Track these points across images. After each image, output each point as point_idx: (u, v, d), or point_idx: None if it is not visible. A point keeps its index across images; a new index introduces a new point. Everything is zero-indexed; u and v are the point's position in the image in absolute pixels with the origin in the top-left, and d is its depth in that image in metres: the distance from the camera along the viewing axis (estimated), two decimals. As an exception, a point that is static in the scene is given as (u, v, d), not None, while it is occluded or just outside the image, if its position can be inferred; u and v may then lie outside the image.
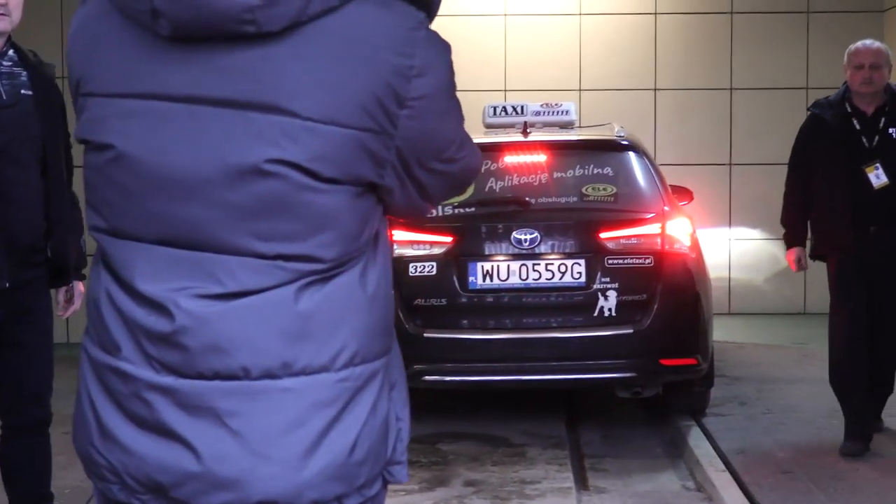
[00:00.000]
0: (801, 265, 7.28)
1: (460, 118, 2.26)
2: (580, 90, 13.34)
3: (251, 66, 2.09)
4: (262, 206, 2.08)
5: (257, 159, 2.06)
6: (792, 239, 7.31)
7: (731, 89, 13.33)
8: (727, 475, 6.73)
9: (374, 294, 2.19)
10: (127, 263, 2.16)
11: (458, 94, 2.25)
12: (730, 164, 13.30)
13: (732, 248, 13.35)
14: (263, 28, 2.07)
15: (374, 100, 2.09)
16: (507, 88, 13.30)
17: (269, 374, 2.08)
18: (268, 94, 2.07)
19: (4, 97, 4.79)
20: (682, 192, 8.93)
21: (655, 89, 13.39)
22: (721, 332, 11.62)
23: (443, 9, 2.31)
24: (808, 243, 7.31)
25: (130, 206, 2.15)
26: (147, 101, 2.12)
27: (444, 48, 2.19)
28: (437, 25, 2.24)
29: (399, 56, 2.11)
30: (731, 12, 13.34)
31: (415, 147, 2.17)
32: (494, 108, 8.84)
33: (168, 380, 2.10)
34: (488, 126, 8.84)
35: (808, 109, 7.22)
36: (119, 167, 2.15)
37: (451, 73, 2.20)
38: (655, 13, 13.40)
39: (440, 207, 7.63)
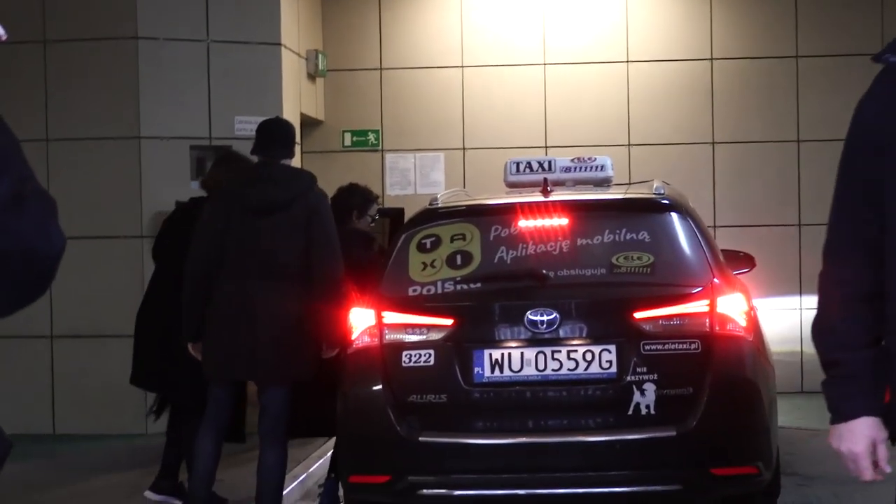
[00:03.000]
0: (876, 469, 3.04)
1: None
2: (629, 145, 12.07)
3: None
4: None
5: None
6: (847, 392, 3.05)
7: (797, 141, 12.01)
8: None
9: None
10: None
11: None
12: (798, 225, 11.97)
13: (804, 319, 11.93)
14: None
15: None
16: (547, 145, 12.07)
17: None
18: None
19: None
20: (741, 259, 7.62)
21: (713, 143, 12.10)
22: (792, 416, 10.27)
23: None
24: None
25: None
26: None
27: None
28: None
29: None
30: (797, 56, 12.05)
31: None
32: (517, 165, 7.57)
33: None
34: (511, 185, 7.58)
35: (881, 58, 2.97)
36: None
37: None
38: (711, 58, 12.13)
39: (439, 283, 6.33)
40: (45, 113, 10.25)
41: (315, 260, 6.41)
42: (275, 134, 6.70)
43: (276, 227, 6.40)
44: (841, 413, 3.04)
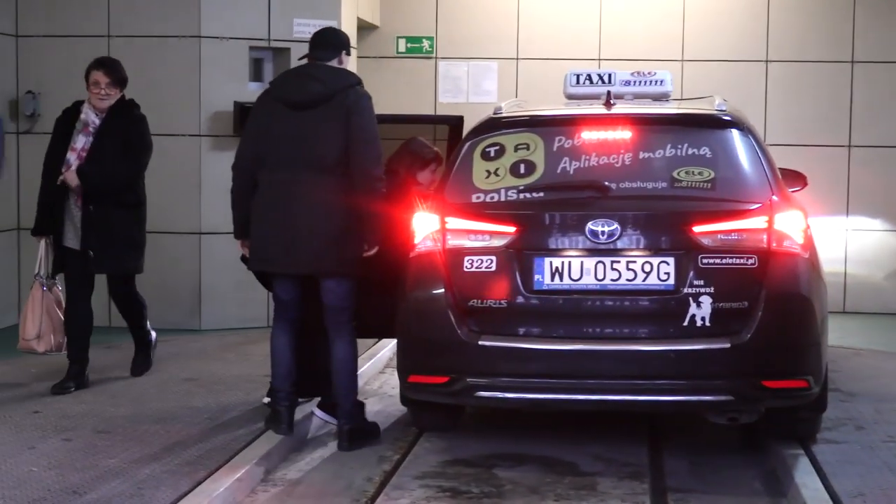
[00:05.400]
0: None
1: None
2: (682, 61, 12.07)
3: None
4: None
5: None
6: None
7: (851, 62, 11.97)
8: (842, 528, 5.49)
9: None
10: None
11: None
12: (849, 146, 11.99)
13: (849, 240, 12.02)
14: None
15: None
16: (601, 58, 12.08)
17: None
18: None
19: None
20: (794, 178, 7.70)
21: (767, 61, 12.08)
22: (835, 335, 10.31)
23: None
24: None
25: None
26: None
27: None
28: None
29: None
30: (856, -24, 11.99)
31: None
32: (578, 77, 7.67)
33: None
34: (570, 97, 7.69)
35: None
36: None
37: None
38: (769, -24, 12.09)
39: (503, 191, 6.44)
40: (107, 9, 10.35)
41: (353, 156, 6.51)
42: (320, 38, 6.89)
43: (317, 121, 6.53)
44: None
